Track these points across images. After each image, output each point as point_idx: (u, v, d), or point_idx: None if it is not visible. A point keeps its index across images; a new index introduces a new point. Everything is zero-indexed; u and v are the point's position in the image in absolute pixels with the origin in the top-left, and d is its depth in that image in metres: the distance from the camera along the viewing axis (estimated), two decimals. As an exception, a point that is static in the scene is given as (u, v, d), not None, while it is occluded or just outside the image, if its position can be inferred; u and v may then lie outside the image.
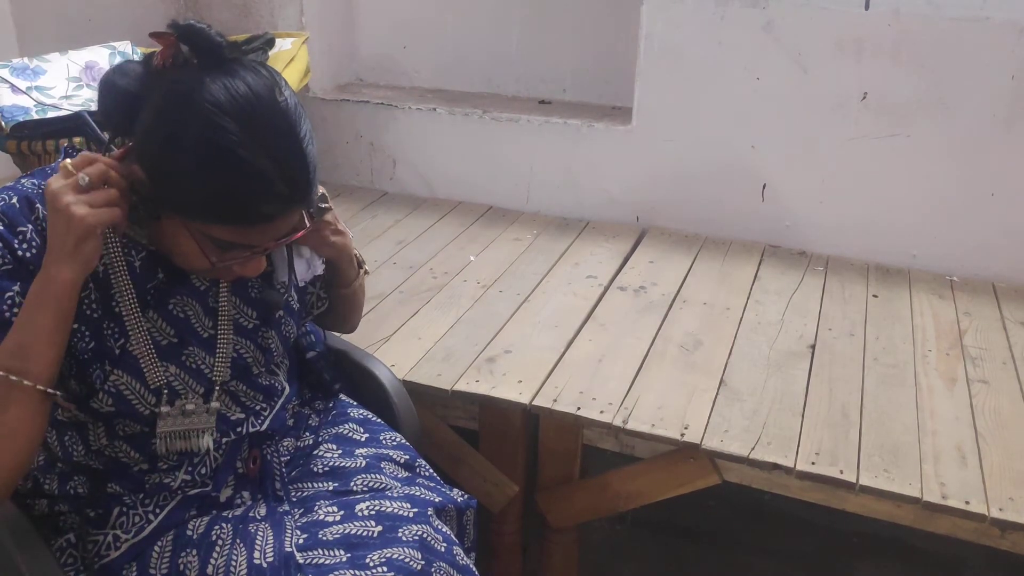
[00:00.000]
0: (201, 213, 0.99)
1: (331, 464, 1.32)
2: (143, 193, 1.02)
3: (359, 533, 1.18)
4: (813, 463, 1.51)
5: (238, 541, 1.14)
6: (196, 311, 1.15)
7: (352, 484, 1.28)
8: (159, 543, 1.14)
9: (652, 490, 1.70)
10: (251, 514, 1.19)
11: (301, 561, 1.13)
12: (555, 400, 1.68)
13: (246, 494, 1.22)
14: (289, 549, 1.14)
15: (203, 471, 1.18)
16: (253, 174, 0.96)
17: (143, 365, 1.10)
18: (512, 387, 1.71)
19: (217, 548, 1.13)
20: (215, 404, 1.15)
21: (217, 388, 1.16)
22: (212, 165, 0.95)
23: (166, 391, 1.12)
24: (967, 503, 1.43)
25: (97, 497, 1.15)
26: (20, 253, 1.03)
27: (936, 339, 1.96)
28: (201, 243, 1.02)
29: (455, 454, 1.82)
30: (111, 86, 1.03)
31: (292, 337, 1.28)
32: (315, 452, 1.34)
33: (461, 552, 1.23)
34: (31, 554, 1.09)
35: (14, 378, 0.98)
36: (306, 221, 1.09)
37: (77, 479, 1.16)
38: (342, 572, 1.12)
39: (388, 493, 1.26)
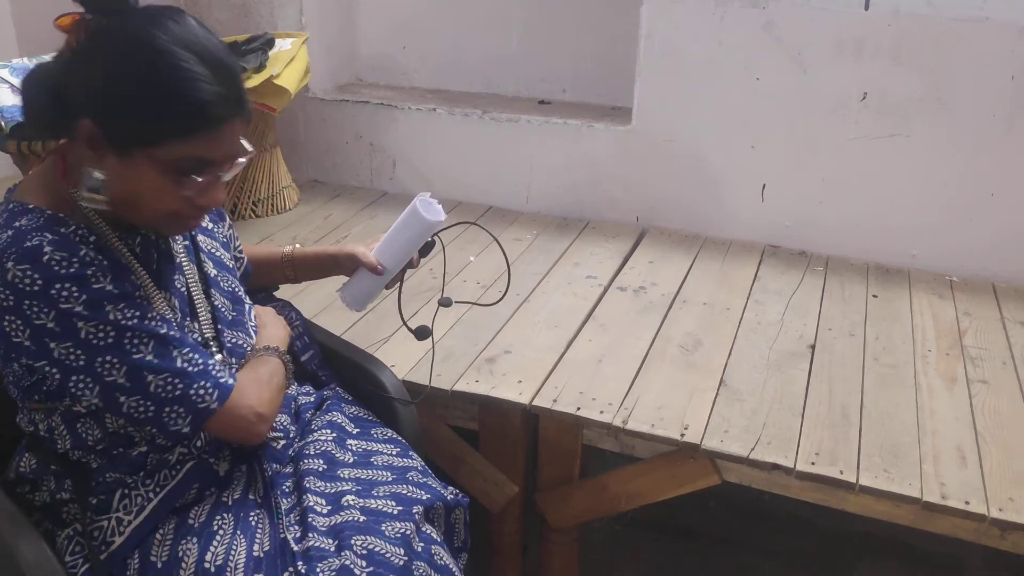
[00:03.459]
0: (160, 130, 1.04)
1: (323, 449, 1.34)
2: (102, 146, 1.05)
3: (345, 520, 1.22)
4: (813, 463, 1.51)
5: (239, 532, 1.16)
6: (183, 283, 1.23)
7: (340, 471, 1.30)
8: (161, 530, 1.16)
9: (652, 490, 1.70)
10: (250, 496, 1.22)
11: (296, 549, 1.16)
12: (555, 400, 1.68)
13: (243, 467, 1.26)
14: (283, 535, 1.17)
15: (198, 443, 1.21)
16: (193, 77, 1.02)
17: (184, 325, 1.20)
18: (512, 387, 1.71)
19: (218, 537, 1.16)
20: (219, 356, 1.23)
21: (212, 343, 1.24)
22: (158, 77, 1.02)
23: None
24: (967, 503, 1.43)
25: (98, 484, 1.17)
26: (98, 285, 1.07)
27: (936, 339, 1.96)
28: (167, 173, 1.05)
29: (455, 454, 1.82)
30: (37, 85, 1.09)
31: (235, 289, 1.33)
32: (309, 438, 1.36)
33: (442, 552, 1.26)
34: (29, 549, 1.09)
35: (288, 359, 1.31)
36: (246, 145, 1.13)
37: (73, 479, 1.17)
38: (331, 561, 1.14)
39: (375, 492, 1.29)
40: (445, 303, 1.60)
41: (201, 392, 1.12)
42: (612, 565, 2.19)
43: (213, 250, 1.32)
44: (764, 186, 2.44)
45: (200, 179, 1.07)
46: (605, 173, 2.57)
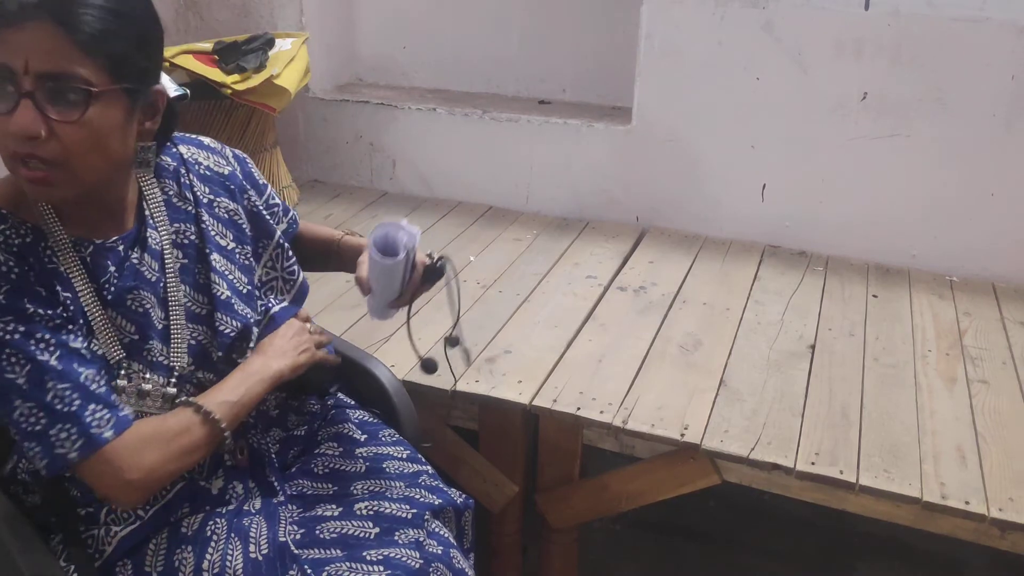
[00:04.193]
0: None
1: (332, 466, 1.32)
2: None
3: (356, 534, 1.19)
4: (813, 463, 1.51)
5: (233, 536, 1.14)
6: (152, 303, 1.15)
7: (352, 488, 1.28)
8: (154, 541, 1.15)
9: (652, 490, 1.70)
10: (245, 507, 1.20)
11: (296, 552, 1.14)
12: (555, 400, 1.68)
13: (238, 485, 1.23)
14: (283, 539, 1.15)
15: None
16: None
17: (100, 336, 1.10)
18: (512, 387, 1.71)
19: (212, 544, 1.14)
20: (171, 390, 1.14)
21: (176, 375, 1.15)
22: None
23: (124, 365, 1.12)
24: (967, 503, 1.43)
25: (86, 495, 1.16)
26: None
27: (936, 339, 1.96)
28: None
29: (455, 454, 1.82)
30: None
31: (250, 317, 1.25)
32: (316, 451, 1.35)
33: (458, 555, 1.24)
34: (29, 550, 1.09)
35: (223, 425, 1.13)
36: (87, 69, 0.98)
37: (66, 484, 1.16)
38: (338, 565, 1.13)
39: (387, 495, 1.27)
40: (452, 343, 1.44)
41: (62, 436, 1.02)
42: (612, 565, 2.19)
43: (227, 272, 1.24)
44: (764, 186, 2.44)
45: (3, 96, 0.97)
46: (605, 173, 2.57)
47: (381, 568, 1.13)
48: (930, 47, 2.17)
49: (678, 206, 2.53)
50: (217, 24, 2.80)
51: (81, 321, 1.08)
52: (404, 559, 1.15)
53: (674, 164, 2.49)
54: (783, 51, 2.29)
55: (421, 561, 1.16)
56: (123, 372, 1.11)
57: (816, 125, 2.32)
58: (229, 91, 2.26)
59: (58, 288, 1.06)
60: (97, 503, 1.15)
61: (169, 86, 1.97)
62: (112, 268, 1.12)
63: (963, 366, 1.85)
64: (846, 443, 1.57)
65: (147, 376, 1.13)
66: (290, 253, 1.38)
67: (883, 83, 2.23)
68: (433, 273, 1.31)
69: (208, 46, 2.35)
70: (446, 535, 1.26)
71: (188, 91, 2.02)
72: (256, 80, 2.30)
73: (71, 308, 1.07)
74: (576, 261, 2.33)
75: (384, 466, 1.34)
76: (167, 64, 2.15)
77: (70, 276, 1.08)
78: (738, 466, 1.57)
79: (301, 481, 1.30)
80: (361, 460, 1.34)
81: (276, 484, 1.26)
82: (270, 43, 2.41)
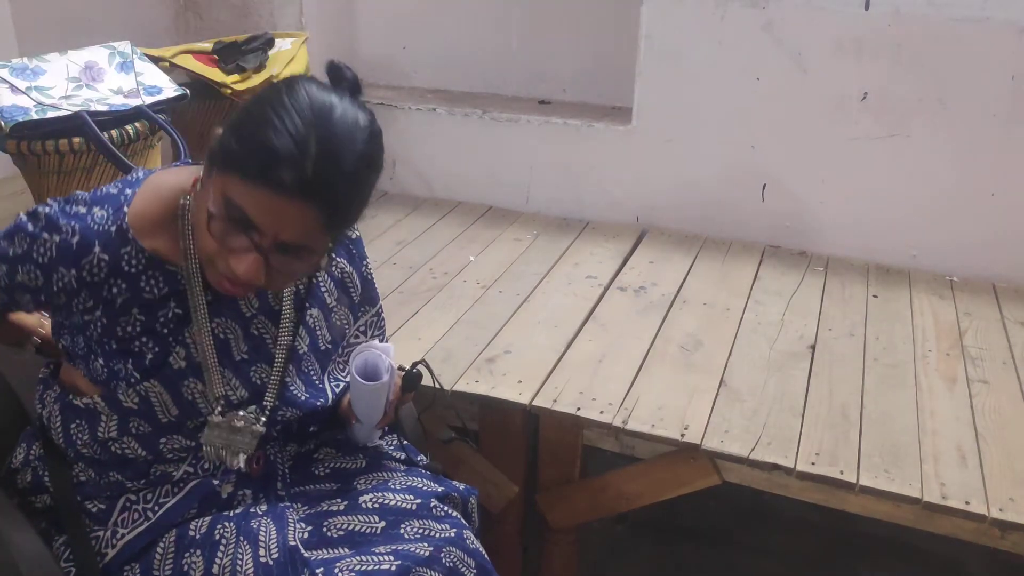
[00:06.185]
0: (231, 155, 1.01)
1: (333, 465, 1.32)
2: (209, 155, 1.06)
3: (362, 530, 1.19)
4: (813, 463, 1.51)
5: (242, 539, 1.14)
6: (236, 335, 1.18)
7: (356, 483, 1.29)
8: (161, 544, 1.14)
9: (652, 491, 1.70)
10: (252, 510, 1.19)
11: (306, 555, 1.14)
12: (555, 400, 1.67)
13: (248, 492, 1.23)
14: (293, 543, 1.14)
15: (206, 466, 1.19)
16: (286, 134, 0.98)
17: (207, 375, 1.15)
18: (512, 387, 1.71)
19: (221, 547, 1.13)
20: (261, 428, 1.17)
21: (258, 402, 1.19)
22: (258, 118, 1.00)
23: (223, 401, 1.16)
24: (967, 503, 1.43)
25: (99, 486, 1.16)
26: (55, 287, 1.09)
27: (936, 339, 1.96)
28: (217, 208, 1.01)
29: (455, 454, 1.82)
30: None
31: (314, 375, 1.27)
32: (315, 456, 1.35)
33: (471, 536, 1.24)
34: (25, 543, 1.09)
35: None
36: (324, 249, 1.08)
37: (78, 467, 1.16)
38: (348, 560, 1.13)
39: (390, 484, 1.27)
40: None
41: None
42: (612, 565, 2.19)
43: (317, 328, 1.26)
44: (764, 186, 2.44)
45: (237, 235, 1.02)
46: (605, 173, 2.57)
47: (391, 558, 1.14)
48: (930, 47, 2.17)
49: (678, 206, 2.53)
50: (217, 24, 2.80)
51: (151, 343, 1.13)
52: (414, 549, 1.16)
53: (674, 164, 2.49)
54: (783, 51, 2.29)
55: (431, 549, 1.16)
56: (219, 409, 1.15)
57: (816, 125, 2.32)
58: (229, 91, 2.26)
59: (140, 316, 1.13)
60: (109, 500, 1.15)
61: (168, 86, 1.97)
62: (210, 296, 1.15)
63: (963, 366, 1.85)
64: (846, 443, 1.57)
65: (241, 413, 1.16)
66: (383, 324, 1.41)
67: (883, 83, 2.23)
68: (411, 380, 1.36)
69: (208, 46, 2.34)
70: (457, 516, 1.26)
71: (188, 91, 2.02)
72: (256, 80, 2.30)
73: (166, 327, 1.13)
74: (576, 261, 2.33)
75: (384, 462, 1.34)
76: (166, 64, 2.15)
77: (194, 309, 1.14)
78: (738, 466, 1.57)
79: (304, 487, 1.30)
80: (361, 457, 1.35)
81: (284, 496, 1.26)
82: (270, 43, 2.41)
